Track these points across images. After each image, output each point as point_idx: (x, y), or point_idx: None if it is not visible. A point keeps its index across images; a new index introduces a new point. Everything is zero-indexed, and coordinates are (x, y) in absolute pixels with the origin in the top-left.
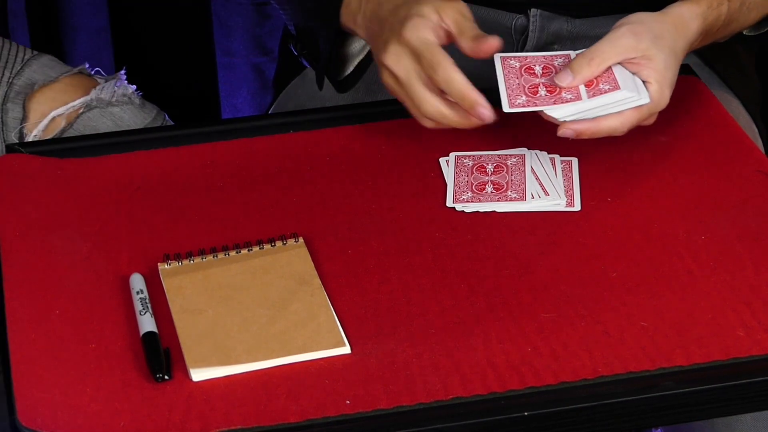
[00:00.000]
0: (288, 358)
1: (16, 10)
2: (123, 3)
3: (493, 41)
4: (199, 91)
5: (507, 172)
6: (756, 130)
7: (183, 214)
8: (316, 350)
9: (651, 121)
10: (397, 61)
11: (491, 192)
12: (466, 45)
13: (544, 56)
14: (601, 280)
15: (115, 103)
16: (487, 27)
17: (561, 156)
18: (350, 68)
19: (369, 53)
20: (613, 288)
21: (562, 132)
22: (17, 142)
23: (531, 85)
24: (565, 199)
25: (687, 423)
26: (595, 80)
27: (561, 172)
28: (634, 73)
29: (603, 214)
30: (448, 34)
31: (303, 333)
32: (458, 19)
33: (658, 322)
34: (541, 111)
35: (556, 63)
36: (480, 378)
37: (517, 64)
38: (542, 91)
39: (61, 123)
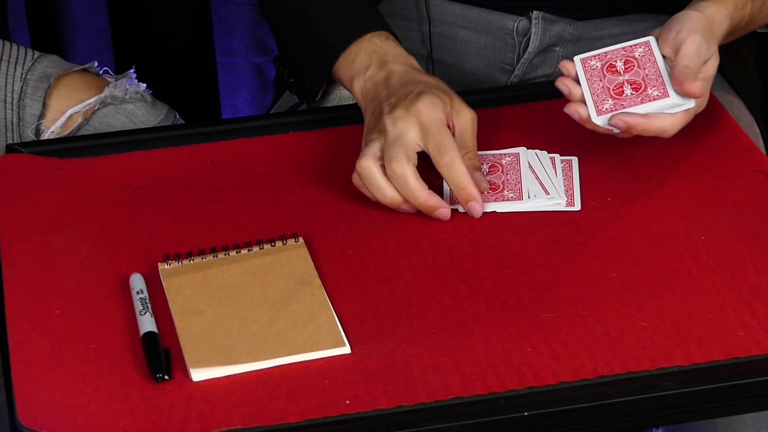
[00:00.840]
0: (288, 358)
1: (16, 10)
2: (123, 3)
3: (483, 183)
4: (199, 91)
5: (502, 172)
6: (758, 130)
7: (183, 214)
8: (316, 350)
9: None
10: (393, 124)
11: (488, 192)
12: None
13: (623, 48)
14: (601, 280)
15: (129, 101)
16: (489, 30)
17: (561, 156)
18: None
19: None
20: (613, 288)
21: (613, 121)
22: (34, 139)
23: (615, 86)
24: (565, 199)
25: (687, 423)
26: (643, 84)
27: (561, 171)
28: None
29: (603, 214)
30: (452, 130)
31: (303, 333)
32: (465, 130)
33: (658, 322)
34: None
35: (636, 54)
36: (480, 378)
37: (598, 64)
38: (627, 90)
39: (78, 119)
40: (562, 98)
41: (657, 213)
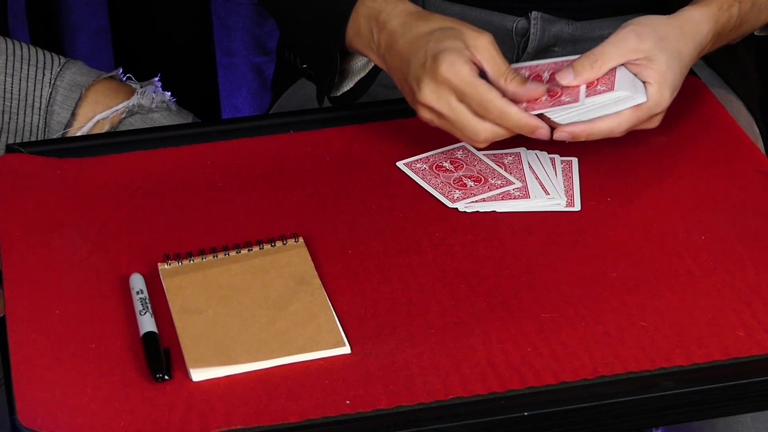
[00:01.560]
0: (288, 358)
1: (16, 10)
2: (123, 3)
3: (538, 89)
4: (199, 91)
5: (470, 165)
6: (757, 130)
7: (183, 214)
8: (316, 350)
9: (654, 124)
10: (437, 99)
11: (473, 185)
12: (510, 90)
13: (554, 62)
14: (601, 280)
15: (155, 110)
16: (488, 29)
17: (561, 156)
18: (349, 85)
19: (371, 72)
20: (613, 288)
21: (557, 135)
22: None
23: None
24: (565, 199)
25: (687, 423)
26: (595, 81)
27: (561, 172)
28: (635, 74)
29: (603, 214)
30: (480, 67)
31: (303, 333)
32: (492, 57)
33: (658, 322)
34: (541, 114)
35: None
36: (480, 378)
37: (527, 74)
38: (543, 97)
39: (105, 126)
40: None
41: (657, 213)
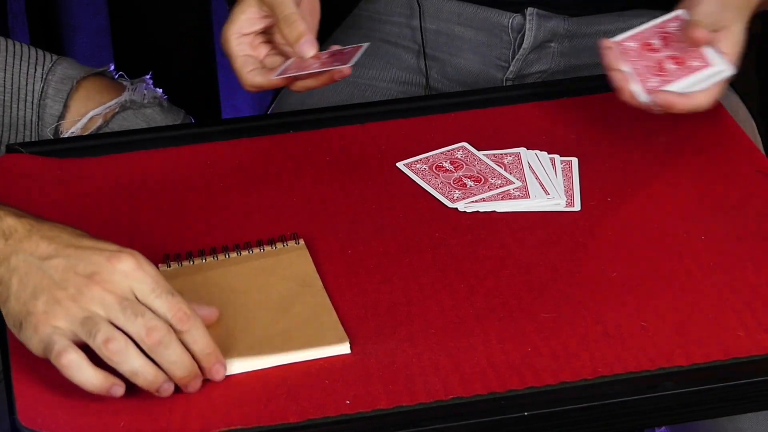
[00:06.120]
0: (289, 356)
1: (16, 10)
2: (123, 3)
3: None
4: (199, 91)
5: (470, 165)
6: (755, 125)
7: (183, 214)
8: (318, 346)
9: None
10: None
11: (473, 185)
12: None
13: (657, 25)
14: (601, 280)
15: (147, 105)
16: (485, 26)
17: (561, 157)
18: None
19: None
20: (613, 288)
21: (652, 98)
22: (52, 138)
23: (656, 62)
24: (565, 199)
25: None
26: (682, 57)
27: (561, 172)
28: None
29: (603, 214)
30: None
31: (305, 333)
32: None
33: (658, 322)
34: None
35: (669, 29)
36: (480, 378)
37: (635, 44)
38: (670, 65)
39: (98, 122)
40: (562, 99)
41: (657, 213)
